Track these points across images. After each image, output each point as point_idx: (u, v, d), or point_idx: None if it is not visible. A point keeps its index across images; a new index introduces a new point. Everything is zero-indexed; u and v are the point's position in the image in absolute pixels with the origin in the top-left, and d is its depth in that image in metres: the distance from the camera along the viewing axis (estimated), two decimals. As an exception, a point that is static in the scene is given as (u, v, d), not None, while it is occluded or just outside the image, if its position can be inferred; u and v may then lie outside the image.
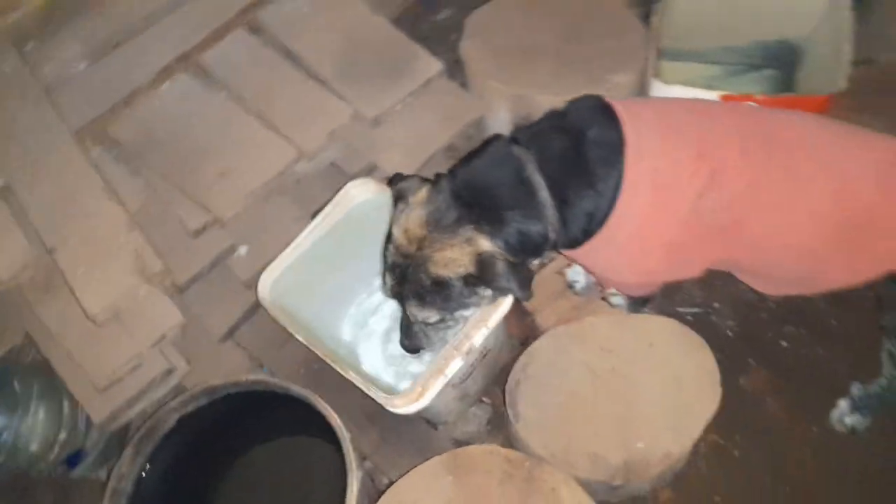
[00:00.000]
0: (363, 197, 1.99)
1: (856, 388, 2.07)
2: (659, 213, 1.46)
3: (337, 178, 2.31)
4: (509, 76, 2.26)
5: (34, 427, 1.84)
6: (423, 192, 1.48)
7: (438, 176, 1.52)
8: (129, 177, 2.08)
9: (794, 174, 1.45)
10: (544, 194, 1.43)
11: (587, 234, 1.50)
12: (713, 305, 2.38)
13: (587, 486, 1.71)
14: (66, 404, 1.88)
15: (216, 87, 2.20)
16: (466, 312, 1.58)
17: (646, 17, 2.52)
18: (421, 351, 1.73)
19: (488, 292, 1.50)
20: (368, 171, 2.25)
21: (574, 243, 1.54)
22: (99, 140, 2.12)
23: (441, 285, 1.45)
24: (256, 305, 2.28)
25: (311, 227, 1.94)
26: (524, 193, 1.43)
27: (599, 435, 1.77)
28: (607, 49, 2.30)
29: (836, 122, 1.60)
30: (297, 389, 1.76)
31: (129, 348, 1.83)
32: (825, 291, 1.73)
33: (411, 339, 1.67)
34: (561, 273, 2.26)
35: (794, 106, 1.80)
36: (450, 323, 1.61)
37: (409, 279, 1.48)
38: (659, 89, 2.24)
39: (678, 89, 1.95)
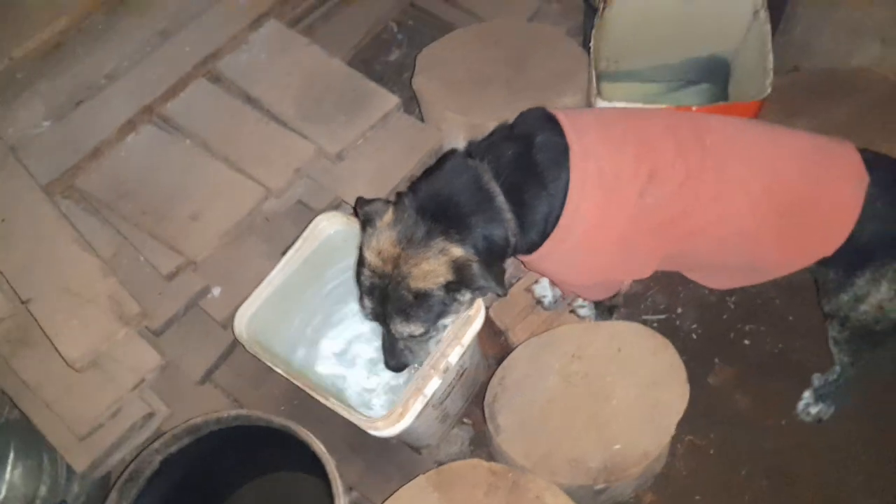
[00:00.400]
0: (332, 229, 2.04)
1: (817, 379, 2.17)
2: (606, 211, 1.55)
3: (304, 214, 2.37)
4: (464, 106, 2.37)
5: (13, 485, 1.82)
6: (390, 213, 1.54)
7: (400, 195, 1.59)
8: (100, 227, 2.11)
9: (726, 168, 1.56)
10: (501, 199, 1.51)
11: (543, 235, 1.58)
12: (677, 311, 2.47)
13: (571, 492, 1.74)
14: (45, 458, 1.85)
15: (181, 135, 2.26)
16: (447, 320, 1.63)
17: (584, 44, 2.68)
18: (407, 368, 1.76)
19: (467, 296, 1.57)
20: (335, 206, 2.32)
21: (532, 246, 1.61)
22: (67, 193, 2.15)
23: (423, 298, 1.51)
24: (233, 346, 2.31)
25: (284, 262, 1.98)
26: (483, 200, 1.51)
27: (578, 440, 1.82)
28: (553, 74, 2.44)
29: (760, 123, 1.73)
30: (279, 420, 1.78)
31: (108, 394, 1.83)
32: (768, 281, 1.83)
33: (397, 358, 1.70)
34: (529, 290, 2.34)
35: (730, 113, 1.93)
36: (432, 333, 1.66)
37: (390, 298, 1.53)
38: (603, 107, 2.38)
39: (621, 105, 2.07)
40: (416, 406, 1.76)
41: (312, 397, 1.82)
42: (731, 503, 2.11)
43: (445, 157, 1.61)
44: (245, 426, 1.83)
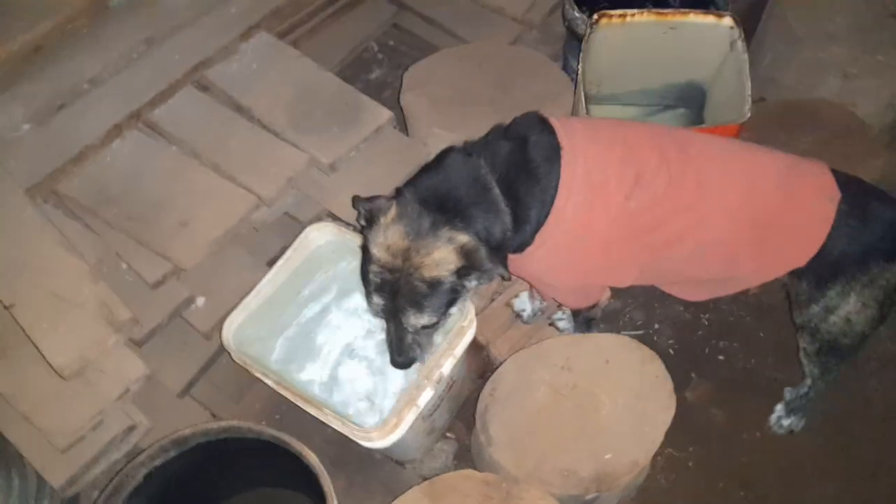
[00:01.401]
0: (323, 240, 2.04)
1: (788, 393, 2.25)
2: (592, 211, 1.61)
3: (290, 226, 2.36)
4: (451, 123, 2.41)
5: (-22, 502, 1.71)
6: (394, 209, 1.56)
7: (399, 191, 1.62)
8: (82, 233, 2.05)
9: (705, 179, 1.64)
10: (497, 192, 1.57)
11: (534, 230, 1.63)
12: (654, 326, 2.55)
13: (562, 502, 1.77)
14: (16, 480, 1.75)
15: (168, 142, 2.23)
16: (454, 308, 1.65)
17: (563, 69, 2.78)
18: (414, 364, 1.75)
19: (473, 283, 1.60)
20: (321, 218, 2.31)
21: (523, 243, 1.66)
22: (49, 198, 2.09)
23: (436, 286, 1.54)
24: (213, 359, 2.26)
25: (274, 271, 1.96)
26: (481, 193, 1.57)
27: (569, 450, 1.84)
28: (537, 96, 2.51)
29: (739, 141, 1.83)
30: (270, 432, 1.74)
31: (91, 404, 1.76)
32: (740, 300, 1.91)
33: (405, 354, 1.70)
34: (508, 304, 2.37)
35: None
36: (440, 324, 1.67)
37: (402, 291, 1.55)
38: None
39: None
40: (410, 417, 1.75)
41: (293, 411, 1.80)
42: (709, 514, 2.16)
43: (444, 154, 1.66)
44: (232, 439, 1.79)
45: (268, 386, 1.81)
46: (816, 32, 2.68)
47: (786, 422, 2.26)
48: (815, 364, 1.98)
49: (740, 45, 2.25)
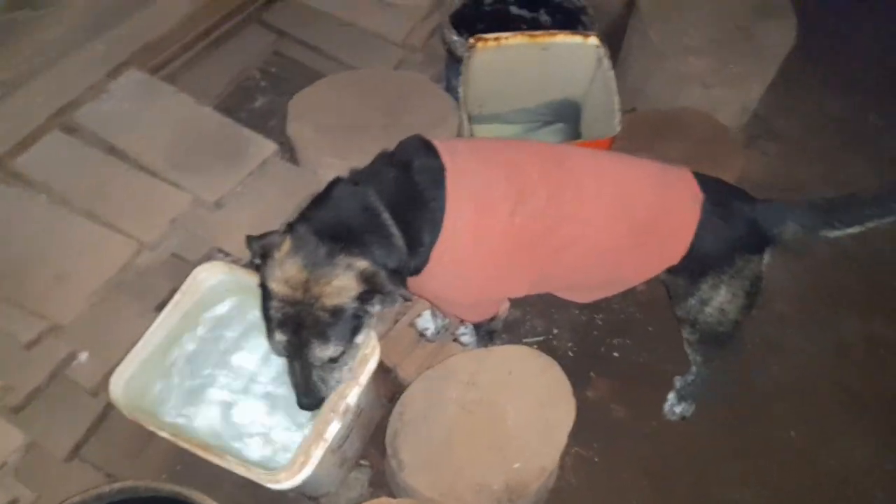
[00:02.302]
0: (214, 279, 1.97)
1: (677, 381, 2.40)
2: (481, 228, 1.66)
3: (179, 267, 2.26)
4: (341, 151, 2.41)
5: None
6: (287, 243, 1.54)
7: (291, 225, 1.60)
8: (-59, 297, 1.88)
9: (583, 189, 1.73)
10: (387, 217, 1.59)
11: (428, 252, 1.66)
12: (553, 332, 2.64)
13: (477, 517, 1.80)
14: None
15: (35, 191, 2.09)
16: (360, 338, 1.64)
17: (446, 90, 2.85)
18: (322, 404, 1.72)
19: (376, 307, 1.60)
20: (212, 257, 2.24)
21: (419, 265, 1.69)
22: None
23: (340, 314, 1.53)
24: (103, 415, 2.13)
25: (162, 317, 1.88)
26: (371, 219, 1.59)
27: (480, 465, 1.87)
28: (424, 118, 2.56)
29: (611, 152, 1.94)
30: (170, 487, 1.67)
31: (-37, 483, 1.61)
32: (630, 298, 2.02)
33: (311, 394, 1.67)
34: (412, 325, 2.39)
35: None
36: (346, 358, 1.66)
37: (305, 323, 1.52)
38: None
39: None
40: (318, 452, 1.72)
41: (196, 461, 1.72)
42: (618, 507, 2.26)
43: (332, 185, 1.66)
44: (130, 499, 1.69)
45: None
46: (675, 46, 2.89)
47: (678, 409, 2.40)
48: (698, 352, 2.13)
49: (606, 62, 2.39)
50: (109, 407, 2.09)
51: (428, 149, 1.69)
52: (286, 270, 1.52)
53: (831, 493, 2.29)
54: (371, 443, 2.30)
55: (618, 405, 2.47)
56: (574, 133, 2.74)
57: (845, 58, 3.69)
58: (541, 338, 2.62)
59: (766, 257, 1.86)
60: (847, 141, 3.34)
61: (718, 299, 1.86)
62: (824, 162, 3.24)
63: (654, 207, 1.77)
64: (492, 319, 2.11)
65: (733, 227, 1.78)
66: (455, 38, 2.65)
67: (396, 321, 2.41)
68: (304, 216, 1.63)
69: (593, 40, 2.44)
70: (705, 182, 1.82)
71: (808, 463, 2.35)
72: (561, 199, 1.71)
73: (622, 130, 2.31)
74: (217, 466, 1.71)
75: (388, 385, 2.39)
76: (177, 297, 1.93)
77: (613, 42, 3.17)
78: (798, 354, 2.62)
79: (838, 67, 3.63)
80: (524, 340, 2.60)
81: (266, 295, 1.57)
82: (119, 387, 1.78)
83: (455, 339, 2.37)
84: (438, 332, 2.36)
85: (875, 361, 2.62)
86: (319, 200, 1.66)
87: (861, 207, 1.73)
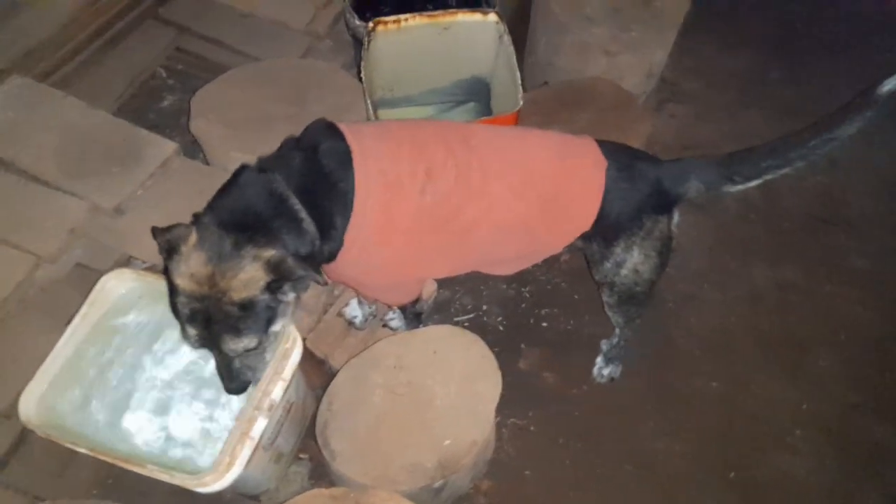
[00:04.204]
0: (123, 287, 1.92)
1: (604, 344, 2.48)
2: (391, 209, 1.67)
3: (88, 278, 2.18)
4: (248, 145, 2.35)
5: None
6: (193, 235, 1.52)
7: (197, 216, 1.58)
8: None
9: (489, 165, 1.76)
10: (295, 202, 1.58)
11: (341, 236, 1.66)
12: (482, 308, 2.68)
13: (413, 496, 1.81)
14: None
15: (-83, 211, 1.97)
16: (277, 326, 1.62)
17: (358, 76, 2.83)
18: (249, 387, 1.70)
19: (290, 295, 1.58)
20: (123, 264, 2.17)
21: (333, 250, 1.68)
22: None
23: (249, 307, 1.50)
24: (22, 436, 2.05)
25: (70, 331, 1.82)
26: (279, 205, 1.57)
27: (411, 446, 1.89)
28: (333, 107, 2.53)
29: (515, 127, 1.95)
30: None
31: None
32: (554, 268, 2.06)
33: (236, 380, 1.65)
34: (340, 314, 2.38)
35: (494, 124, 2.17)
36: (265, 344, 1.65)
37: (214, 318, 1.50)
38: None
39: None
40: (245, 452, 1.70)
41: (126, 472, 1.68)
42: (555, 471, 2.32)
43: (238, 173, 1.63)
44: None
45: (91, 453, 1.68)
46: (577, 18, 2.94)
47: (605, 371, 2.48)
48: (619, 313, 2.18)
49: (507, 38, 2.42)
50: (27, 428, 2.01)
51: (333, 132, 1.68)
52: (192, 265, 1.50)
53: (751, 433, 2.42)
54: (308, 435, 2.29)
55: (549, 373, 2.53)
56: (486, 111, 2.77)
57: (741, 15, 3.84)
58: (471, 315, 2.65)
59: (676, 217, 1.92)
60: (748, 96, 3.49)
61: (632, 261, 1.91)
62: (728, 119, 3.38)
63: (557, 177, 1.81)
64: (416, 301, 2.13)
65: (638, 188, 1.82)
66: (357, 22, 2.62)
67: (325, 312, 2.40)
68: (211, 206, 1.60)
69: (492, 17, 2.46)
70: (609, 148, 1.86)
71: (728, 408, 2.47)
72: (468, 177, 1.72)
73: (533, 105, 2.35)
74: (147, 476, 1.68)
75: (321, 376, 2.37)
76: (84, 308, 1.86)
77: (522, 18, 3.21)
78: (713, 305, 2.73)
79: (735, 25, 3.78)
80: (455, 319, 2.63)
81: (173, 290, 1.55)
82: (30, 406, 1.72)
83: (384, 325, 2.38)
84: (367, 320, 2.36)
85: (786, 306, 2.76)
86: (225, 189, 1.63)
87: (759, 160, 1.79)
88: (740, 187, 1.85)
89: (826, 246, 2.96)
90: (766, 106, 3.43)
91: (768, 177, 1.81)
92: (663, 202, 1.87)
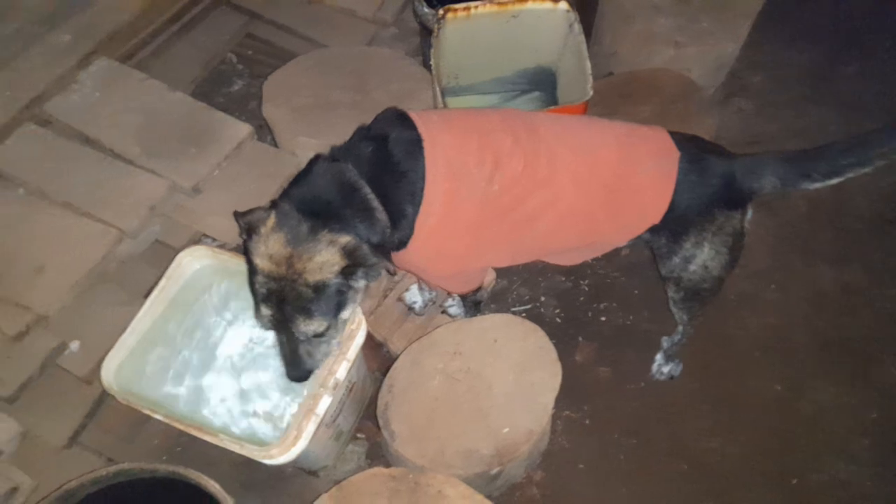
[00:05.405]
0: (198, 264, 1.99)
1: (665, 341, 2.43)
2: (459, 198, 1.68)
3: (163, 254, 2.28)
4: (315, 130, 2.42)
5: None
6: (272, 219, 1.57)
7: (275, 202, 1.63)
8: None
9: (555, 155, 1.75)
10: (367, 191, 1.62)
11: (411, 223, 1.68)
12: (540, 299, 2.68)
13: (469, 481, 1.84)
14: None
15: (11, 185, 2.08)
16: (346, 313, 1.67)
17: (424, 63, 2.85)
18: (311, 376, 1.75)
19: (361, 282, 1.63)
20: (195, 241, 2.25)
21: (403, 238, 1.71)
22: None
23: (322, 289, 1.56)
24: (99, 401, 2.16)
25: (148, 304, 1.90)
26: (352, 194, 1.61)
27: (468, 432, 1.92)
28: (396, 93, 2.56)
29: (582, 116, 1.93)
30: (165, 468, 1.71)
31: (-39, 474, 1.64)
32: (613, 262, 2.03)
33: (299, 366, 1.70)
34: (400, 299, 2.42)
35: (562, 113, 2.15)
36: (332, 332, 1.69)
37: (288, 298, 1.56)
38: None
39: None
40: (310, 427, 1.76)
41: (195, 441, 1.75)
42: (608, 465, 2.31)
43: (312, 162, 1.68)
44: (127, 482, 1.73)
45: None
46: (644, 7, 2.89)
47: (665, 368, 2.45)
48: (684, 310, 2.15)
49: (577, 27, 2.39)
50: (105, 394, 2.12)
51: (404, 121, 1.71)
52: (270, 246, 1.55)
53: (809, 439, 2.35)
54: (366, 416, 2.35)
55: (605, 367, 2.52)
56: (551, 100, 2.75)
57: (811, 8, 3.70)
58: (528, 306, 2.66)
59: (749, 213, 1.87)
60: (817, 92, 3.36)
61: (702, 257, 1.88)
62: (797, 115, 3.26)
63: (626, 167, 1.78)
64: (477, 290, 2.14)
65: (711, 182, 1.78)
66: (426, 10, 2.64)
67: (385, 296, 2.44)
68: (287, 193, 1.65)
69: (563, 5, 2.43)
70: (681, 140, 1.82)
71: (786, 411, 2.41)
72: (535, 166, 1.72)
73: (597, 95, 2.32)
74: (215, 446, 1.75)
75: (379, 359, 2.43)
76: (162, 282, 1.95)
77: (587, 7, 3.17)
78: (774, 305, 2.66)
79: (805, 18, 3.64)
80: (511, 309, 2.64)
81: (252, 270, 1.60)
82: (111, 373, 1.81)
83: (443, 312, 2.41)
84: (426, 306, 2.39)
85: (850, 309, 2.66)
86: (301, 178, 1.68)
87: (838, 158, 1.72)
88: (818, 185, 1.77)
89: (894, 249, 2.85)
90: (836, 102, 3.30)
91: (849, 175, 1.73)
92: (736, 197, 1.82)
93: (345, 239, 1.56)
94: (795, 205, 2.94)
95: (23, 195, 2.09)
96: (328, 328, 1.66)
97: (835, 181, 1.76)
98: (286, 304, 1.57)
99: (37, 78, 2.18)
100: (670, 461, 2.32)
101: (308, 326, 1.61)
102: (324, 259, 1.54)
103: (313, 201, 1.60)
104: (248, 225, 1.60)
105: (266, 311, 1.60)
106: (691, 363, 2.47)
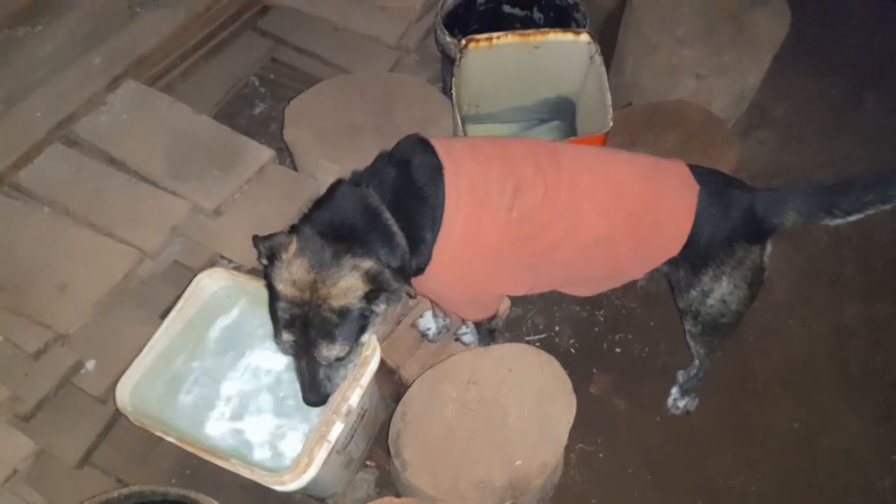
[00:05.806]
0: (216, 286, 2.00)
1: (681, 375, 2.41)
2: (479, 224, 1.68)
3: (181, 274, 2.30)
4: (337, 154, 2.44)
5: None
6: (294, 244, 1.58)
7: (294, 227, 1.64)
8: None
9: (577, 184, 1.75)
10: (388, 217, 1.63)
11: (430, 248, 1.69)
12: (555, 329, 2.66)
13: (481, 514, 1.82)
14: None
15: (37, 203, 2.12)
16: (365, 337, 1.68)
17: (444, 91, 2.87)
18: (328, 400, 1.75)
19: (381, 307, 1.63)
20: (213, 264, 2.27)
21: (422, 263, 1.71)
22: None
23: (346, 314, 1.56)
24: (112, 422, 2.17)
25: (165, 325, 1.91)
26: (373, 219, 1.62)
27: (482, 463, 1.89)
28: (418, 120, 2.58)
29: (604, 147, 1.94)
30: (177, 491, 1.71)
31: (-26, 493, 1.65)
32: (630, 293, 2.01)
33: (317, 391, 1.69)
34: (413, 325, 2.41)
35: (582, 144, 2.16)
36: (352, 356, 1.69)
37: (312, 324, 1.56)
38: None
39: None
40: (322, 454, 1.74)
41: (205, 464, 1.75)
42: (622, 501, 2.27)
43: (334, 187, 1.69)
44: None
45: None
46: (668, 39, 2.89)
47: (681, 403, 2.41)
48: (701, 344, 2.12)
49: (598, 58, 2.40)
50: (118, 414, 2.13)
51: (426, 147, 1.72)
52: (294, 271, 1.55)
53: (836, 477, 2.30)
54: (377, 443, 2.33)
55: (620, 400, 2.49)
56: (570, 130, 2.75)
57: (836, 41, 3.68)
58: (543, 335, 2.64)
59: (769, 248, 1.86)
60: (841, 124, 3.33)
61: (720, 291, 1.86)
62: (820, 147, 3.24)
63: (647, 199, 1.78)
64: (492, 318, 2.13)
65: (730, 216, 1.77)
66: (448, 39, 2.67)
67: (398, 322, 2.43)
68: (309, 218, 1.66)
69: (585, 37, 2.45)
70: (701, 173, 1.82)
71: (809, 448, 2.36)
72: (556, 195, 1.72)
73: (617, 125, 2.32)
74: (225, 470, 1.75)
75: (391, 386, 2.41)
76: (180, 303, 1.96)
77: (608, 38, 3.19)
78: (797, 340, 2.62)
79: (829, 50, 3.62)
80: (526, 338, 2.62)
81: (274, 296, 1.60)
82: (125, 394, 1.81)
83: (457, 339, 2.39)
84: (440, 333, 2.38)
85: (876, 345, 2.62)
86: (322, 202, 1.69)
87: (860, 195, 1.71)
88: (839, 221, 1.76)
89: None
90: (860, 135, 3.28)
91: (869, 212, 1.73)
92: (757, 231, 1.81)
93: (368, 264, 1.56)
94: (817, 238, 2.90)
95: (48, 214, 2.13)
96: (349, 352, 1.66)
97: (855, 217, 1.75)
98: (310, 330, 1.57)
99: (68, 99, 2.23)
100: (689, 499, 2.27)
101: (331, 351, 1.61)
102: (348, 284, 1.54)
103: (335, 226, 1.60)
104: (269, 250, 1.61)
105: (288, 336, 1.60)
106: (711, 396, 2.43)
